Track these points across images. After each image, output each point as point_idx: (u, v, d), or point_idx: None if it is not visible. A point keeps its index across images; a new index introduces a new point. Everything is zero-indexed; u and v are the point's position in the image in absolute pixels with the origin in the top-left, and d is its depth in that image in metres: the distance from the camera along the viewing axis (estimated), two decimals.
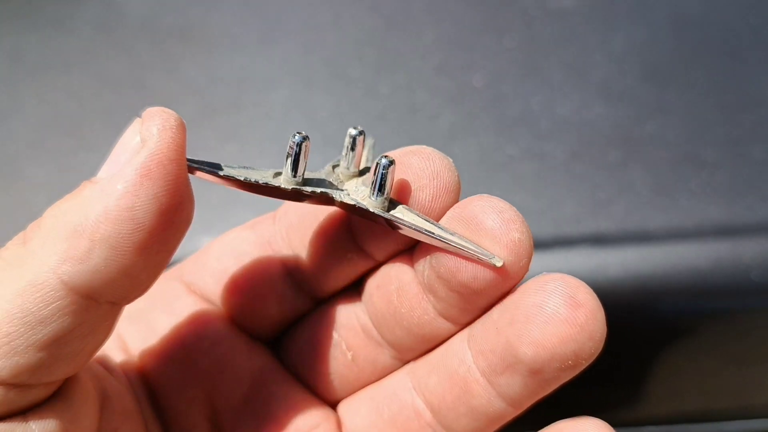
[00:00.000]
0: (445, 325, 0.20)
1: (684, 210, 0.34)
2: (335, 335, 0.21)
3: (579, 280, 0.17)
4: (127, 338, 0.22)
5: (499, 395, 0.19)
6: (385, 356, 0.21)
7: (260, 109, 0.39)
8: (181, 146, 0.17)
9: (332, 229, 0.21)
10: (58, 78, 0.42)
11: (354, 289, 0.22)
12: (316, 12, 0.44)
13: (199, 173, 0.19)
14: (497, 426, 0.20)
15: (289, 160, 0.18)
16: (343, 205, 0.19)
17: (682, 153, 0.36)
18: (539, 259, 0.33)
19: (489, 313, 0.19)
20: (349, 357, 0.21)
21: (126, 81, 0.41)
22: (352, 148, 0.19)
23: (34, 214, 0.18)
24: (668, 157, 0.36)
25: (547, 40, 0.41)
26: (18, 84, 0.42)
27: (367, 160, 0.21)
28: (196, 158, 0.18)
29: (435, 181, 0.18)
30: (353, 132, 0.19)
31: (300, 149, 0.18)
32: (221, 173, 0.19)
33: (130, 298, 0.17)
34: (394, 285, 0.20)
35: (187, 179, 0.17)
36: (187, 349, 0.21)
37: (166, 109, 0.17)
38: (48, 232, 0.16)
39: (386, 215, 0.18)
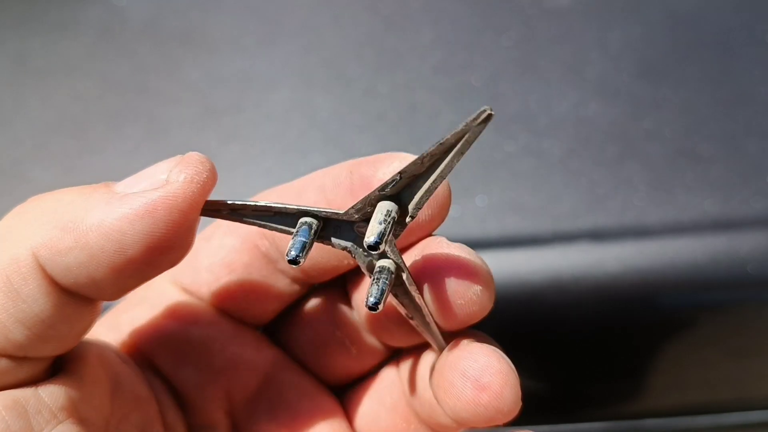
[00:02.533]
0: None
1: (681, 204, 0.34)
2: (337, 333, 0.22)
3: (490, 356, 0.19)
4: (137, 343, 0.22)
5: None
6: (379, 348, 0.22)
7: (261, 109, 0.40)
8: (198, 201, 0.17)
9: None
10: (62, 81, 0.43)
11: (347, 278, 0.22)
12: (315, 13, 0.44)
13: (219, 218, 0.19)
14: None
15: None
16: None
17: (678, 148, 0.36)
18: (538, 255, 0.33)
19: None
20: (354, 352, 0.22)
21: (129, 84, 0.42)
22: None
23: None
24: (664, 153, 0.36)
25: (544, 38, 0.41)
26: (22, 87, 0.42)
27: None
28: (222, 200, 0.18)
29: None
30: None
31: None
32: (245, 219, 0.19)
33: (99, 299, 0.18)
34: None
35: (190, 231, 0.17)
36: (200, 350, 0.22)
37: (205, 160, 0.17)
38: (42, 213, 0.17)
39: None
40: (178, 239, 0.17)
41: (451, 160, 0.17)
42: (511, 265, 0.33)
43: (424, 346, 0.22)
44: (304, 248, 0.18)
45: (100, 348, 0.20)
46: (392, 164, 0.19)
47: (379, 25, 0.43)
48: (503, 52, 0.41)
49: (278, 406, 0.22)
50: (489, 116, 0.15)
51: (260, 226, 0.19)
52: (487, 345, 0.19)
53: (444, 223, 0.21)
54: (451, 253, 0.19)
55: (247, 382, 0.22)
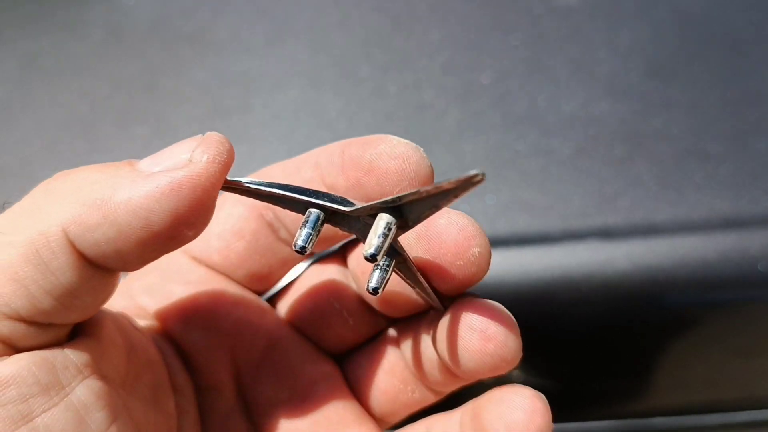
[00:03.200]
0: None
1: (690, 203, 0.34)
2: (336, 305, 0.23)
3: (495, 310, 0.20)
4: (148, 308, 0.23)
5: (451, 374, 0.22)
6: (376, 319, 0.24)
7: (269, 109, 0.40)
8: (219, 180, 0.18)
9: None
10: (70, 81, 0.43)
11: (347, 248, 0.24)
12: (323, 13, 0.44)
13: (236, 194, 0.20)
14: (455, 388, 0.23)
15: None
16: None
17: (688, 147, 0.36)
18: (548, 254, 0.33)
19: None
20: (351, 323, 0.24)
21: (137, 83, 0.42)
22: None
23: None
24: (673, 151, 0.36)
25: (553, 37, 0.41)
26: (31, 87, 0.43)
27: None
28: (239, 180, 0.20)
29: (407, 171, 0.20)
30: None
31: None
32: (264, 190, 0.20)
33: (122, 270, 0.19)
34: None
35: (211, 207, 0.18)
36: (207, 314, 0.23)
37: (225, 140, 0.18)
38: (70, 190, 0.18)
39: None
40: (200, 215, 0.18)
41: (444, 202, 0.18)
42: (521, 263, 0.33)
43: (420, 315, 0.23)
44: (311, 239, 0.19)
45: (114, 314, 0.21)
46: (379, 146, 0.20)
47: (387, 25, 0.43)
48: (512, 52, 0.41)
49: (282, 370, 0.23)
50: (482, 178, 0.17)
51: (273, 203, 0.20)
52: (489, 300, 0.21)
53: None
54: (450, 218, 0.20)
55: (252, 346, 0.23)
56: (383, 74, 0.41)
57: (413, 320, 0.23)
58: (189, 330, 0.23)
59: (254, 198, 0.20)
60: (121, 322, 0.21)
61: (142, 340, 0.22)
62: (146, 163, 0.18)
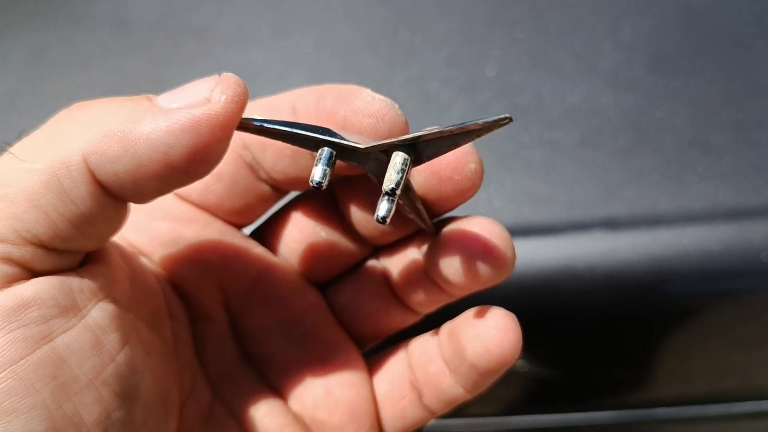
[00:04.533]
0: None
1: (693, 194, 0.34)
2: (322, 233, 0.24)
3: (493, 222, 0.22)
4: (138, 245, 0.24)
5: (444, 291, 0.24)
6: (361, 247, 0.24)
7: None
8: (236, 120, 0.19)
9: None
10: (77, 74, 0.43)
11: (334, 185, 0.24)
12: (328, 6, 0.45)
13: (248, 132, 0.21)
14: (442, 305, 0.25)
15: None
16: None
17: (691, 138, 0.36)
18: (552, 244, 0.33)
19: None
20: (337, 251, 0.24)
21: (143, 77, 0.42)
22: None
23: None
24: (677, 143, 0.36)
25: (557, 30, 0.41)
26: (38, 80, 0.43)
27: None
28: (253, 118, 0.20)
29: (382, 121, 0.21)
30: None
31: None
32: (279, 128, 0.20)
33: (136, 202, 0.20)
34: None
35: (226, 145, 0.19)
36: (195, 249, 0.24)
37: (241, 82, 0.19)
38: (91, 121, 0.18)
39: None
40: (215, 152, 0.18)
41: (466, 141, 0.19)
42: (526, 254, 0.33)
43: (406, 239, 0.24)
44: (326, 174, 0.20)
45: (115, 245, 0.22)
46: (354, 102, 0.20)
47: (392, 18, 0.43)
48: (516, 44, 0.41)
49: (269, 299, 0.24)
50: (509, 121, 0.18)
51: (285, 141, 0.21)
52: (482, 217, 0.22)
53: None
54: None
55: (240, 277, 0.24)
56: (388, 67, 0.41)
57: (399, 245, 0.24)
58: (177, 263, 0.24)
59: (264, 136, 0.21)
60: (123, 250, 0.22)
61: (141, 268, 0.23)
62: (165, 99, 0.19)
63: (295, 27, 0.44)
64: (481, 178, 0.22)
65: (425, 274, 0.23)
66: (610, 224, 0.34)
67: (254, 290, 0.24)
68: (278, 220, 0.25)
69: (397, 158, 0.19)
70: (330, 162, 0.20)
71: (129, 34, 0.45)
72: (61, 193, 0.18)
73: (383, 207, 0.20)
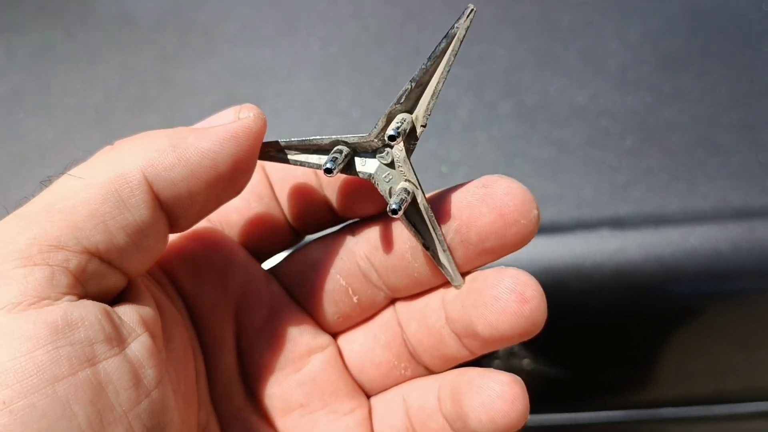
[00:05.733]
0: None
1: (701, 193, 0.34)
2: (342, 282, 0.24)
3: (529, 276, 0.21)
4: (165, 263, 0.24)
5: (464, 347, 0.23)
6: (380, 297, 0.24)
7: (282, 99, 0.40)
8: (262, 133, 0.21)
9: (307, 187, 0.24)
10: (84, 70, 0.43)
11: (345, 228, 0.24)
12: (335, 4, 0.44)
13: (266, 159, 0.23)
14: (457, 364, 0.24)
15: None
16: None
17: (698, 138, 0.36)
18: (560, 243, 0.33)
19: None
20: (355, 300, 0.24)
21: (150, 73, 0.42)
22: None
23: None
24: (684, 142, 0.36)
25: (565, 29, 0.41)
26: (45, 76, 0.43)
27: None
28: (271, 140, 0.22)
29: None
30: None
31: None
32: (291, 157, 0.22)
33: (183, 219, 0.21)
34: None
35: (255, 158, 0.21)
36: (218, 272, 0.24)
37: (260, 110, 0.21)
38: (139, 145, 0.20)
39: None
40: (251, 163, 0.21)
41: (448, 60, 0.20)
42: (533, 252, 0.33)
43: (427, 292, 0.24)
44: (337, 161, 0.21)
45: (148, 283, 0.22)
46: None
47: (400, 16, 0.43)
48: (523, 43, 0.41)
49: (279, 339, 0.24)
50: (473, 11, 0.19)
51: (299, 164, 0.22)
52: (516, 268, 0.22)
53: None
54: (510, 183, 0.21)
55: (255, 310, 0.24)
56: (395, 65, 0.41)
57: (418, 297, 0.24)
58: (200, 284, 0.24)
59: (283, 162, 0.22)
60: (150, 286, 0.22)
61: (165, 301, 0.23)
62: (198, 125, 0.21)
63: (302, 25, 0.44)
64: (539, 225, 0.22)
65: (443, 328, 0.23)
66: (618, 223, 0.34)
67: (266, 327, 0.24)
68: (298, 261, 0.25)
69: (395, 118, 0.21)
70: (342, 155, 0.21)
71: (135, 31, 0.44)
72: (119, 203, 0.19)
73: (393, 199, 0.21)
